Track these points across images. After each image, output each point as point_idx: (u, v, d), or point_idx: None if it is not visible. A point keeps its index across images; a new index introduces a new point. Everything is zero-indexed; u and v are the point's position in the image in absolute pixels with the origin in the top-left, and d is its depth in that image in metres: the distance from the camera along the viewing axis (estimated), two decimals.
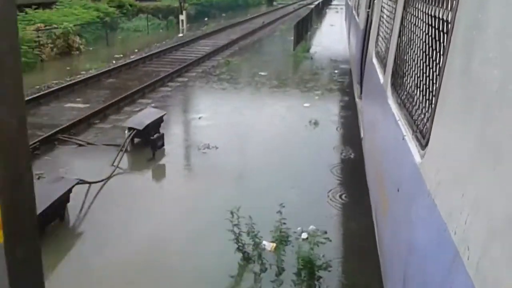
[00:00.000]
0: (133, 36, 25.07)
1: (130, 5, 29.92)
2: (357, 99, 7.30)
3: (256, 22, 32.17)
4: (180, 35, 25.14)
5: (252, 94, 12.61)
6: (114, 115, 10.72)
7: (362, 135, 5.63)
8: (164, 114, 9.22)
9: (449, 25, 1.69)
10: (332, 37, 24.63)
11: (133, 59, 17.16)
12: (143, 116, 8.89)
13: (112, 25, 26.77)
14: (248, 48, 20.91)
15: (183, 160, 8.31)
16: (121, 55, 18.61)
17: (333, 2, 57.52)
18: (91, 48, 20.26)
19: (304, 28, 24.54)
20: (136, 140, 8.60)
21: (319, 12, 38.69)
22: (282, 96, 12.55)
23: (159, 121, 8.94)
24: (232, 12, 41.28)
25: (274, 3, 56.39)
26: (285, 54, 19.12)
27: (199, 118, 10.41)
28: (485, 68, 1.27)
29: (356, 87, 7.65)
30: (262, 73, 15.28)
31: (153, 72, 15.42)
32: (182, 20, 28.73)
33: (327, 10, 44.03)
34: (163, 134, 8.33)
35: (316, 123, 10.11)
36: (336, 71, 15.73)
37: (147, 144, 8.17)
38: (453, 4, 1.68)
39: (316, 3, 52.22)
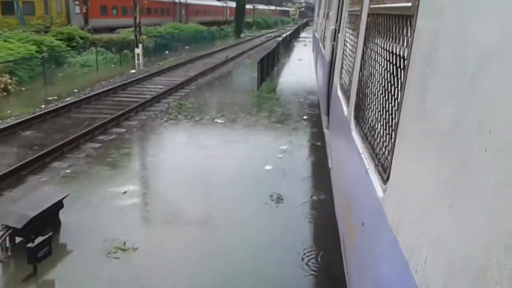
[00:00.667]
0: (79, 72, 22.26)
1: (81, 38, 27.24)
2: (325, 130, 7.19)
3: (220, 56, 29.94)
4: (133, 71, 22.50)
5: (199, 155, 10.00)
6: (9, 189, 7.89)
7: (330, 165, 5.49)
8: (66, 196, 6.49)
9: (405, 61, 1.68)
10: (301, 72, 22.55)
11: (67, 102, 14.37)
12: (30, 202, 6.14)
13: (59, 60, 23.97)
14: (207, 87, 18.45)
15: (81, 274, 5.54)
16: (56, 97, 15.79)
17: (301, 35, 56.43)
18: (23, 88, 17.35)
19: (270, 64, 22.38)
20: (18, 239, 5.86)
21: (287, 45, 36.95)
22: (238, 154, 10.01)
23: (54, 209, 6.22)
24: (196, 45, 39.09)
25: (242, 35, 54.76)
26: (248, 94, 16.73)
27: (124, 193, 7.71)
28: (439, 103, 1.26)
29: (324, 118, 7.55)
30: (218, 121, 12.78)
31: (85, 120, 12.67)
32: (138, 54, 26.20)
33: (295, 43, 42.46)
34: (50, 237, 5.55)
35: (279, 199, 7.58)
36: (305, 117, 13.39)
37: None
38: (408, 40, 1.68)
39: (284, 35, 51.13)
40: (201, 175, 8.64)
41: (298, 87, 18.78)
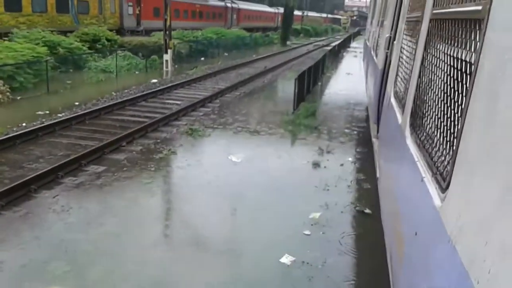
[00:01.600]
0: (95, 79, 19.61)
1: (108, 40, 24.79)
2: (373, 139, 6.97)
3: (258, 66, 26.71)
4: (154, 80, 19.58)
5: (209, 221, 6.70)
6: None
7: (378, 175, 5.30)
8: None
9: (473, 67, 1.63)
10: (349, 89, 18.91)
11: (55, 121, 11.51)
12: None
13: (79, 64, 21.52)
14: (232, 106, 15.21)
15: None
16: (47, 111, 13.01)
17: (352, 44, 52.37)
18: (19, 98, 14.73)
19: (313, 79, 18.88)
20: None
21: (335, 55, 33.26)
22: (261, 218, 6.65)
23: None
24: (237, 52, 36.11)
25: (288, 43, 51.42)
26: (281, 119, 13.32)
27: None
28: (510, 110, 1.23)
29: (372, 127, 7.35)
30: (234, 159, 9.49)
31: (63, 148, 9.72)
32: (166, 61, 23.39)
33: (344, 54, 38.63)
34: None
35: None
36: (352, 160, 9.86)
37: None
38: (477, 45, 1.63)
39: (333, 44, 47.39)
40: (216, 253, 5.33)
41: (345, 110, 15.19)
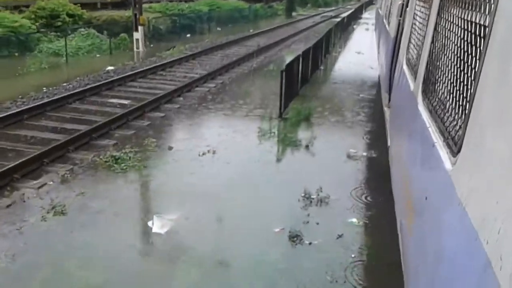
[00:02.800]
0: (36, 66, 15.46)
1: (70, 15, 20.47)
2: (384, 108, 6.79)
3: (252, 44, 22.25)
4: (110, 68, 15.31)
5: None
6: None
7: (388, 143, 5.18)
8: None
9: (486, 30, 1.62)
10: (359, 78, 14.54)
11: None
12: None
13: (29, 46, 17.38)
14: (199, 106, 11.02)
15: None
16: None
17: (364, 15, 47.05)
18: None
19: (312, 63, 14.52)
20: None
21: (344, 29, 28.50)
22: None
23: None
24: (232, 26, 31.47)
25: (294, 14, 46.32)
26: (257, 130, 9.15)
27: None
28: None
29: (384, 96, 7.18)
30: (157, 228, 5.43)
31: None
32: (137, 40, 19.10)
33: (355, 26, 33.69)
34: None
35: None
36: (357, 223, 5.75)
37: None
38: (491, 8, 1.62)
39: (343, 15, 42.33)
40: None
41: (351, 112, 10.91)
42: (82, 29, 19.41)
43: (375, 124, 9.66)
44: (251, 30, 28.77)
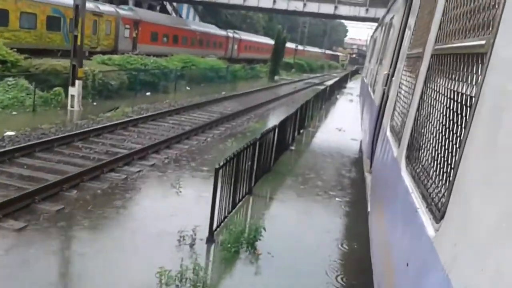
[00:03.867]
0: None
1: (1, 62, 16.91)
2: (365, 173, 6.78)
3: (216, 111, 18.88)
4: (10, 133, 11.48)
5: None
6: None
7: (369, 209, 5.19)
8: None
9: (473, 100, 1.63)
10: (336, 175, 11.00)
11: None
12: None
13: None
14: (92, 216, 7.18)
15: None
16: None
17: (349, 84, 44.91)
18: None
19: (277, 147, 10.96)
20: None
21: (327, 98, 25.54)
22: None
23: None
24: (206, 87, 28.39)
25: (276, 77, 43.94)
26: (160, 275, 5.31)
27: None
28: (509, 144, 1.23)
29: (365, 162, 7.19)
30: None
31: None
32: (72, 96, 15.51)
33: (338, 96, 30.92)
34: None
35: None
36: None
37: None
38: (478, 78, 1.64)
39: (327, 83, 40.03)
40: None
41: (323, 248, 7.16)
42: (10, 79, 15.78)
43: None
44: (223, 93, 25.61)
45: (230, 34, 48.63)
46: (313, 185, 9.66)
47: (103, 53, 24.33)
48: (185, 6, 51.78)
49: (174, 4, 48.73)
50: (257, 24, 68.40)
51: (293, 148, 13.00)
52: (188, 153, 11.33)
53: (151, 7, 43.86)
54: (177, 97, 22.21)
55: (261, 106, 22.09)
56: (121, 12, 30.06)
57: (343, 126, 17.74)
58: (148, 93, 21.61)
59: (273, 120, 15.79)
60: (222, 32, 46.94)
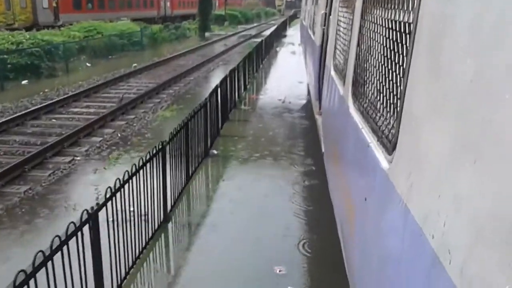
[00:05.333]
0: None
1: None
2: (316, 116, 6.77)
3: (114, 96, 13.51)
4: None
5: None
6: None
7: (323, 149, 5.19)
8: None
9: (411, 26, 1.59)
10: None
11: None
12: None
13: None
14: None
15: None
16: None
17: (288, 32, 39.78)
18: None
19: (192, 151, 6.09)
20: None
21: (265, 55, 20.53)
22: None
23: None
24: (114, 59, 22.54)
25: (207, 34, 38.07)
26: None
27: None
28: (453, 63, 1.20)
29: (314, 104, 7.11)
30: None
31: None
32: None
33: (278, 49, 25.87)
34: None
35: None
36: None
37: None
38: (414, 4, 1.60)
39: (264, 33, 34.89)
40: None
41: None
42: None
43: None
44: (134, 65, 19.95)
45: None
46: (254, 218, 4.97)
47: (24, 29, 20.89)
48: None
49: None
50: None
51: (216, 152, 8.19)
52: (28, 201, 6.24)
53: None
54: (67, 80, 16.47)
55: (181, 78, 16.83)
56: None
57: (287, 93, 12.99)
58: (24, 81, 15.75)
59: (194, 102, 10.84)
60: None
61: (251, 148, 8.37)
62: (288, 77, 15.71)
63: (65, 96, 12.99)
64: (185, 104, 12.06)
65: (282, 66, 19.13)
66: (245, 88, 13.42)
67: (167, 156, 5.44)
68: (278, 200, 6.22)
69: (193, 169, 6.97)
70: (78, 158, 8.17)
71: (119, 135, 9.58)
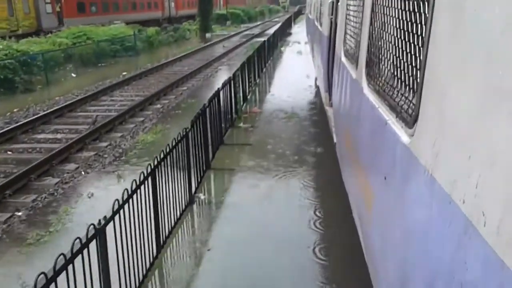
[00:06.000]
0: None
1: None
2: (326, 107, 6.65)
3: (88, 116, 11.40)
4: None
5: None
6: None
7: (335, 140, 5.10)
8: None
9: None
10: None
11: None
12: None
13: None
14: None
15: None
16: None
17: (294, 29, 37.49)
18: None
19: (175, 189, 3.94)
20: None
21: (268, 57, 18.32)
22: None
23: None
24: (103, 67, 20.49)
25: (208, 35, 35.94)
26: None
27: None
28: (474, 24, 1.19)
29: (324, 96, 6.99)
30: None
31: None
32: None
33: (282, 49, 23.58)
34: None
35: None
36: None
37: None
38: None
39: (268, 32, 32.73)
40: None
41: None
42: None
43: None
44: (124, 73, 17.86)
45: None
46: None
47: (27, 35, 20.62)
48: None
49: None
50: None
51: (202, 197, 6.04)
52: None
53: None
54: (44, 96, 14.42)
55: (173, 88, 14.70)
56: None
57: (294, 103, 10.82)
58: None
59: (184, 118, 8.80)
60: None
61: (250, 188, 6.21)
62: (295, 82, 13.50)
63: (34, 117, 10.92)
64: (173, 122, 9.94)
65: (288, 70, 16.86)
66: (244, 99, 11.25)
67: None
68: None
69: (166, 234, 4.83)
70: (19, 213, 6.05)
71: (82, 173, 7.46)
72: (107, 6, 32.32)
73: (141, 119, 11.02)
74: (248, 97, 11.83)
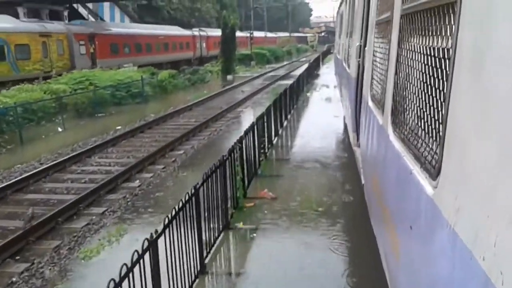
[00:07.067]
0: None
1: None
2: (354, 148, 6.62)
3: (47, 200, 8.22)
4: None
5: None
6: None
7: (363, 181, 5.04)
8: None
9: (450, 51, 1.57)
10: None
11: None
12: None
13: None
14: None
15: None
16: None
17: (322, 70, 34.36)
18: None
19: None
20: None
21: (290, 107, 14.99)
22: None
23: None
24: (102, 117, 17.71)
25: (229, 77, 33.29)
26: None
27: None
28: (494, 84, 1.18)
29: (352, 136, 6.92)
30: None
31: None
32: None
33: (308, 94, 20.21)
34: None
35: None
36: None
37: None
38: (452, 28, 1.60)
39: (294, 73, 29.74)
40: None
41: None
42: None
43: None
44: (118, 127, 14.90)
45: (196, 33, 43.14)
46: None
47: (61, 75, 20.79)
48: (106, 7, 40.62)
49: (90, 5, 37.53)
50: (207, 15, 57.19)
51: None
52: None
53: (55, 15, 32.42)
54: (4, 160, 11.47)
55: (166, 151, 11.48)
56: (72, 27, 26.36)
57: (325, 191, 7.32)
58: None
59: (165, 207, 5.60)
60: (187, 32, 41.28)
61: None
62: (322, 146, 10.03)
63: None
64: (147, 217, 6.63)
65: (314, 125, 13.27)
66: (248, 185, 7.83)
67: None
68: None
69: None
70: None
71: None
72: (140, 47, 32.28)
73: (103, 209, 7.72)
74: (249, 183, 8.43)
